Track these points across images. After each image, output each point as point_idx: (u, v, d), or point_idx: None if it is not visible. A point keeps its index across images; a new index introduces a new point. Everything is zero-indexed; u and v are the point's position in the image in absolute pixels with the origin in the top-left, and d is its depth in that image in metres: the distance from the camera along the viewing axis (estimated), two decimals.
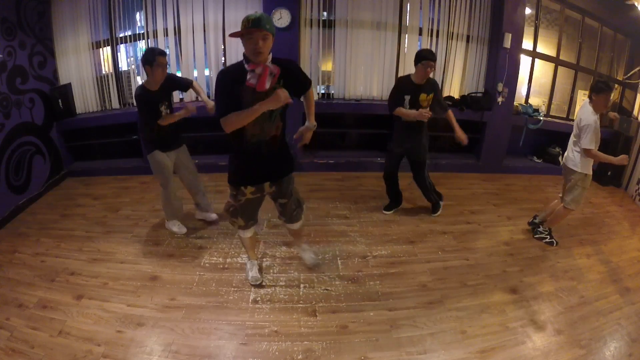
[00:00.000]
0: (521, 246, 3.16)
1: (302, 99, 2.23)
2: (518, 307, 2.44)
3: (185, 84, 3.08)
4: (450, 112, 3.28)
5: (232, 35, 1.96)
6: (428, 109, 3.16)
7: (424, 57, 3.03)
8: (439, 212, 3.57)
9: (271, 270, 2.70)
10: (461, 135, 3.26)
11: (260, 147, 2.08)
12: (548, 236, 3.25)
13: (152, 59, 2.66)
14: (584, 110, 2.90)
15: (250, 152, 2.08)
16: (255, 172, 2.17)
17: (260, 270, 2.64)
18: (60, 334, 2.11)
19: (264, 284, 2.55)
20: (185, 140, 3.10)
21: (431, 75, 3.14)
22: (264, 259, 2.82)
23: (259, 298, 2.42)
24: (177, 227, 3.17)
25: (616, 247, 3.29)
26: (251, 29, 1.86)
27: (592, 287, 2.70)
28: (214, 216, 3.34)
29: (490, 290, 2.60)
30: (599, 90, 2.79)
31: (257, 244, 2.75)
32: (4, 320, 2.20)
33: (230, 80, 1.98)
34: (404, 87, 3.18)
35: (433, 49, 4.56)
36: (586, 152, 2.85)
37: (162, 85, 2.80)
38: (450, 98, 4.61)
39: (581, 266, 2.96)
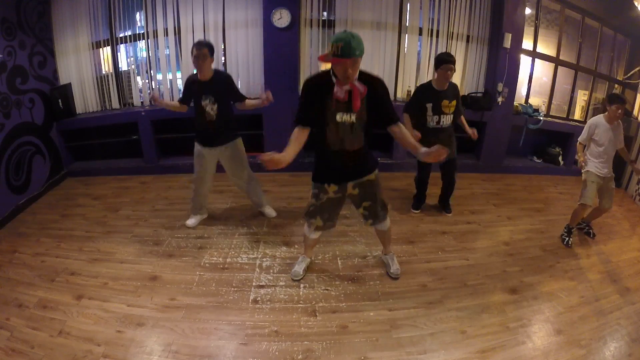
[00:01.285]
0: (521, 246, 3.16)
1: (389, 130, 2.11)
2: (518, 307, 2.44)
3: (239, 97, 3.00)
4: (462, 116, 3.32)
5: (321, 59, 1.92)
6: (452, 115, 3.22)
7: (444, 61, 3.04)
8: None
9: (271, 270, 2.70)
10: (470, 130, 3.31)
11: (342, 154, 2.12)
12: (566, 234, 3.27)
13: (192, 49, 2.74)
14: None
15: (332, 156, 2.15)
16: (338, 171, 2.21)
17: (306, 269, 2.66)
18: (60, 334, 2.11)
19: (263, 283, 2.56)
20: (233, 138, 3.01)
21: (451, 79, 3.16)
22: (264, 259, 2.82)
23: (259, 298, 2.42)
24: (189, 220, 3.25)
25: (616, 247, 3.29)
26: (341, 58, 1.82)
27: (592, 287, 2.70)
28: (270, 212, 3.41)
29: (490, 290, 2.60)
30: (610, 101, 3.00)
31: (314, 246, 2.74)
32: (4, 320, 2.20)
33: (316, 90, 2.01)
34: (424, 95, 3.21)
35: (433, 49, 4.57)
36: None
37: (212, 79, 2.81)
38: None
39: (581, 266, 2.96)
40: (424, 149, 1.93)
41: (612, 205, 3.23)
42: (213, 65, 2.88)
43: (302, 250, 2.74)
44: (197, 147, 3.01)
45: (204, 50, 2.71)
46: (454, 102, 3.19)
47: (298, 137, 2.06)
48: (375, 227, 2.51)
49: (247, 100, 3.00)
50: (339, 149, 2.11)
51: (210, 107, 2.84)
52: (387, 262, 2.72)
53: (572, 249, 3.18)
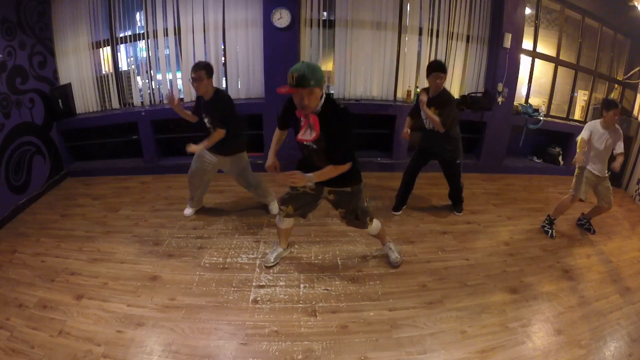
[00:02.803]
0: (521, 246, 3.16)
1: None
2: (518, 307, 2.44)
3: (218, 122, 2.94)
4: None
5: (280, 91, 1.98)
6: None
7: (432, 69, 3.11)
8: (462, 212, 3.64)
9: (271, 270, 2.70)
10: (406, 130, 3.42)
11: (313, 165, 2.20)
12: (548, 225, 3.31)
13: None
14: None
15: (306, 163, 2.30)
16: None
17: (278, 257, 2.79)
18: (60, 334, 2.11)
19: (263, 283, 2.56)
20: (233, 153, 3.14)
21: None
22: (264, 259, 2.82)
23: (259, 298, 2.42)
24: (188, 209, 3.44)
25: (616, 247, 3.29)
26: (296, 87, 1.91)
27: (592, 287, 2.70)
28: (273, 209, 3.47)
29: (490, 290, 2.60)
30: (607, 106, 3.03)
31: (288, 236, 2.86)
32: (4, 320, 2.20)
33: (290, 109, 2.19)
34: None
35: (433, 49, 4.57)
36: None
37: (211, 99, 2.94)
38: None
39: (581, 266, 2.96)
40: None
41: (612, 204, 3.24)
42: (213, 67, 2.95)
43: (292, 247, 2.86)
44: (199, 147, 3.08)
45: (200, 72, 2.82)
46: (437, 112, 3.18)
47: (279, 138, 2.48)
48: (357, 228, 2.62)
49: (214, 133, 2.96)
50: (308, 162, 2.27)
51: (209, 124, 3.00)
52: (387, 252, 2.81)
53: (572, 248, 3.19)
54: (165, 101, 3.16)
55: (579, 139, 3.15)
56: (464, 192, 3.68)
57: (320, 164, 2.15)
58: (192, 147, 2.94)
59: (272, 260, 2.74)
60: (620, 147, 3.08)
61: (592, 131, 3.10)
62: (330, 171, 2.10)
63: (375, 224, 2.62)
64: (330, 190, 2.39)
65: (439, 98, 3.16)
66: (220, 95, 2.97)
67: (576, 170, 3.23)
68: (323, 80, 1.97)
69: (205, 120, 3.00)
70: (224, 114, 2.94)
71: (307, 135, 2.08)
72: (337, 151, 2.08)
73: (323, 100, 2.03)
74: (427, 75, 3.15)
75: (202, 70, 2.82)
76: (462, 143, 3.38)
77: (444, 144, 3.30)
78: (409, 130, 3.46)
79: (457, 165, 3.43)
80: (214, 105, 2.93)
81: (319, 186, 2.34)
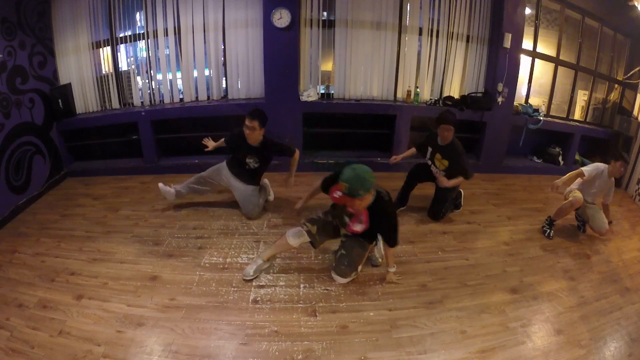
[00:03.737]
0: (521, 246, 3.16)
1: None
2: (518, 307, 2.44)
3: (283, 151, 3.31)
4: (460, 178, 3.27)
5: (335, 199, 2.32)
6: (444, 172, 3.32)
7: (441, 121, 3.18)
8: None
9: (271, 270, 2.70)
10: (445, 183, 3.30)
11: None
12: (547, 226, 3.32)
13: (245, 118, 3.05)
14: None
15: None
16: None
17: (259, 270, 2.61)
18: (60, 334, 2.11)
19: (263, 283, 2.56)
20: (257, 183, 3.39)
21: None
22: (244, 271, 2.80)
23: (259, 298, 2.42)
24: (167, 187, 3.42)
25: (616, 247, 3.29)
26: (348, 197, 2.16)
27: (592, 287, 2.70)
28: (270, 197, 3.67)
29: (490, 290, 2.60)
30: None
31: (279, 254, 2.78)
32: (4, 320, 2.20)
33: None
34: (430, 140, 3.41)
35: (433, 49, 4.57)
36: None
37: (261, 145, 3.17)
38: (450, 98, 4.61)
39: (581, 266, 2.96)
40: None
41: (602, 232, 3.28)
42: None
43: (285, 251, 2.77)
44: (224, 166, 3.36)
45: (254, 123, 3.01)
46: (445, 162, 3.28)
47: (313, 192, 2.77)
48: (334, 271, 2.58)
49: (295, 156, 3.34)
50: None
51: (253, 163, 3.23)
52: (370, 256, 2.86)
53: (572, 248, 3.19)
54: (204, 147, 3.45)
55: (575, 172, 3.22)
56: (464, 192, 3.68)
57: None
58: (210, 143, 3.29)
59: (251, 274, 2.56)
60: (610, 197, 3.28)
61: (599, 175, 3.19)
62: (388, 254, 2.55)
63: (359, 269, 2.63)
64: (346, 234, 2.57)
65: (450, 149, 3.24)
66: (272, 143, 3.23)
67: (569, 196, 3.28)
68: (373, 185, 2.19)
69: (249, 160, 3.21)
70: (280, 149, 3.28)
71: (357, 227, 2.42)
72: (389, 236, 2.44)
73: (373, 198, 2.27)
74: (436, 126, 3.22)
75: (257, 120, 3.01)
76: (462, 143, 3.38)
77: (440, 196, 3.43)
78: (399, 158, 3.53)
79: (445, 200, 3.45)
80: (267, 150, 3.21)
81: (342, 227, 2.56)
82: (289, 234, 2.51)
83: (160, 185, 3.40)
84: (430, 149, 3.40)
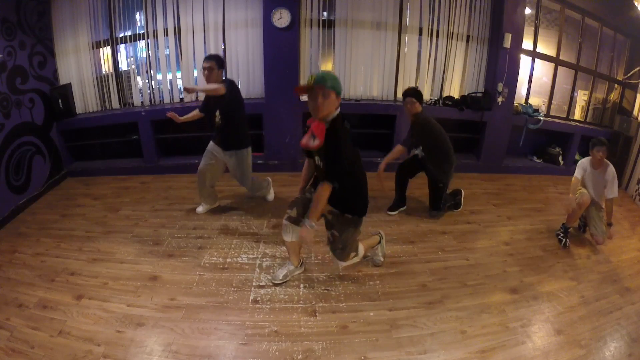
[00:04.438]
0: (521, 246, 3.16)
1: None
2: (518, 307, 2.44)
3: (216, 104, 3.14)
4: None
5: (297, 89, 2.05)
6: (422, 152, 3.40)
7: (403, 97, 3.26)
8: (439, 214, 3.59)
9: (271, 271, 2.69)
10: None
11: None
12: (563, 234, 3.27)
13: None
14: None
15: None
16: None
17: (289, 274, 2.59)
18: (60, 334, 2.11)
19: (263, 283, 2.56)
20: (241, 147, 3.19)
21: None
22: (264, 259, 2.82)
23: (259, 298, 2.42)
24: (200, 207, 3.49)
25: (616, 247, 3.29)
26: (314, 84, 1.93)
27: (592, 287, 2.70)
28: (270, 197, 3.68)
29: (490, 290, 2.60)
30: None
31: (298, 251, 2.63)
32: (4, 320, 2.20)
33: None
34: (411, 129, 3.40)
35: (433, 49, 4.57)
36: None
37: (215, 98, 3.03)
38: (450, 98, 4.61)
39: (581, 266, 2.96)
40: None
41: (600, 241, 3.24)
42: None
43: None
44: (210, 144, 3.26)
45: (211, 62, 2.95)
46: (418, 141, 3.39)
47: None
48: (332, 255, 2.43)
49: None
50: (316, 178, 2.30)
51: (218, 119, 3.09)
52: (372, 257, 2.79)
53: (572, 248, 3.19)
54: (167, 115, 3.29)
55: (572, 180, 3.19)
56: (464, 192, 3.68)
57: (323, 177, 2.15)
58: (176, 117, 3.23)
59: (280, 278, 2.54)
60: (613, 192, 3.08)
61: (584, 169, 3.18)
62: (318, 196, 2.06)
63: (360, 250, 2.51)
64: (330, 210, 2.29)
65: (415, 125, 3.27)
66: (231, 86, 3.05)
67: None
68: (340, 90, 2.01)
69: (216, 113, 3.07)
70: (232, 105, 3.09)
71: (310, 142, 2.04)
72: (331, 167, 2.02)
73: (336, 114, 2.00)
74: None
75: (213, 60, 2.96)
76: (462, 142, 3.38)
77: (436, 170, 3.39)
78: (383, 164, 3.26)
79: (440, 188, 3.44)
80: (223, 99, 3.00)
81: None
82: (283, 233, 2.42)
83: (199, 209, 3.49)
84: (411, 136, 3.37)
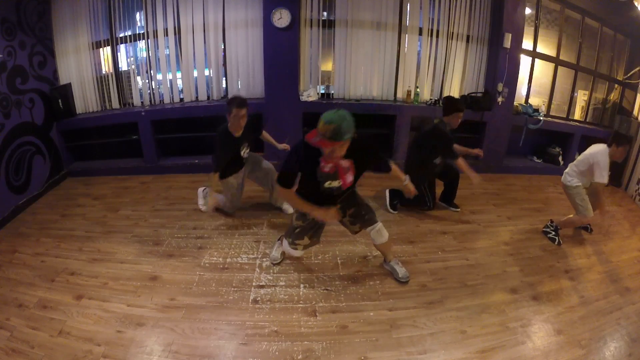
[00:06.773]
0: (521, 246, 3.16)
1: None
2: (518, 307, 2.44)
3: (259, 131, 3.36)
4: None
5: (312, 142, 1.91)
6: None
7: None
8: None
9: (271, 270, 2.70)
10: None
11: (331, 197, 2.27)
12: (554, 233, 3.26)
13: (229, 109, 2.88)
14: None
15: (320, 198, 2.25)
16: (326, 203, 2.29)
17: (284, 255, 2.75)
18: (60, 334, 2.11)
19: (263, 283, 2.56)
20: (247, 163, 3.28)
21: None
22: (264, 259, 2.82)
23: (259, 298, 2.42)
24: (203, 202, 3.51)
25: (616, 247, 3.29)
26: (330, 141, 1.84)
27: (592, 287, 2.70)
28: (287, 208, 3.49)
29: (490, 290, 2.60)
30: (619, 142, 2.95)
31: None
32: (4, 320, 2.20)
33: (306, 156, 2.08)
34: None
35: (433, 49, 4.57)
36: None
37: (245, 130, 3.01)
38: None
39: (581, 266, 2.96)
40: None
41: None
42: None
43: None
44: (231, 180, 3.18)
45: (244, 109, 2.90)
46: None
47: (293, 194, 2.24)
48: (371, 234, 2.48)
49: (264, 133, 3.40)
50: (327, 194, 2.22)
51: (246, 151, 3.14)
52: (393, 268, 2.66)
53: (572, 248, 3.19)
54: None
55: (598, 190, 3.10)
56: (464, 192, 3.69)
57: (344, 189, 2.22)
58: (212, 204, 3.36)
59: (278, 257, 2.75)
60: (603, 176, 2.95)
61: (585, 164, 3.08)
62: (397, 171, 2.46)
63: (385, 233, 2.51)
64: (349, 213, 2.43)
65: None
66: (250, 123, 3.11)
67: (572, 190, 3.15)
68: (354, 132, 1.90)
69: (242, 151, 3.09)
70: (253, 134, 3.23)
71: (347, 178, 2.12)
72: (380, 158, 2.34)
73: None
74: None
75: (246, 107, 2.92)
76: (462, 144, 3.40)
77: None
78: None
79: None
80: (247, 132, 3.06)
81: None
82: (288, 250, 2.55)
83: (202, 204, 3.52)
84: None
